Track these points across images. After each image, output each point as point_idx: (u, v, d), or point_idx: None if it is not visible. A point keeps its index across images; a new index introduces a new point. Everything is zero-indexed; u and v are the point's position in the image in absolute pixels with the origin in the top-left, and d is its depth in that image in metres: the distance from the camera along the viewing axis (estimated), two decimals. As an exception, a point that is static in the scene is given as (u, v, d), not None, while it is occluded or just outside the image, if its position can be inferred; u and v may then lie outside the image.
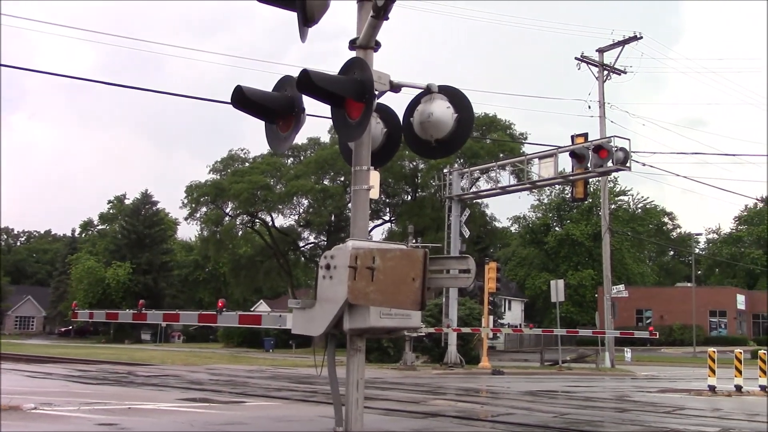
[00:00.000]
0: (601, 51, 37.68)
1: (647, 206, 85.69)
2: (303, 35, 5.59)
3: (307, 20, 5.56)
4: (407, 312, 5.11)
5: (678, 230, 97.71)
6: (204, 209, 58.66)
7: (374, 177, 6.05)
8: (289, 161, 59.28)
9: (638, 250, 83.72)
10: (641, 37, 36.74)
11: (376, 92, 5.76)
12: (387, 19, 5.62)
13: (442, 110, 6.09)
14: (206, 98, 61.21)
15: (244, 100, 5.63)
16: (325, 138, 57.13)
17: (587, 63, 37.46)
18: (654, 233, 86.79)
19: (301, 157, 59.07)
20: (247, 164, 59.13)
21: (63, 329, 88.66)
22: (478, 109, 50.89)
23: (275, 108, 5.80)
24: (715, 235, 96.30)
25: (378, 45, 6.03)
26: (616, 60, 37.62)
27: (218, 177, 58.69)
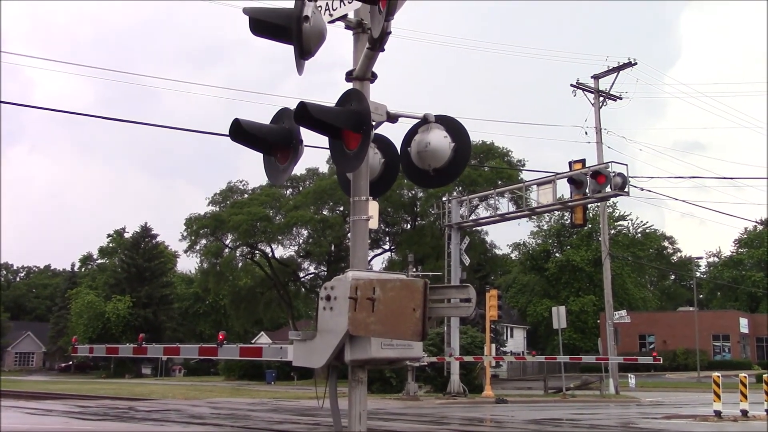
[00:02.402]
0: (596, 77, 37.95)
1: (647, 231, 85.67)
2: (300, 68, 5.63)
3: (303, 53, 5.60)
4: (409, 342, 5.08)
5: (678, 254, 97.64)
6: (203, 241, 58.63)
7: (373, 207, 6.06)
8: (288, 192, 59.39)
9: (639, 275, 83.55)
10: (635, 63, 37.03)
11: (374, 123, 5.79)
12: (383, 50, 5.67)
13: (439, 140, 6.12)
14: (204, 131, 61.75)
15: (242, 133, 5.66)
16: (324, 168, 57.36)
17: (583, 90, 37.72)
18: (654, 258, 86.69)
19: (300, 188, 59.19)
20: (246, 196, 59.23)
21: (63, 365, 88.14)
22: (475, 137, 51.19)
23: (273, 140, 5.83)
24: (716, 259, 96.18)
25: (374, 76, 6.08)
26: (612, 86, 37.90)
27: (217, 209, 58.75)
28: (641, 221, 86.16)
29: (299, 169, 55.13)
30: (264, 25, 5.78)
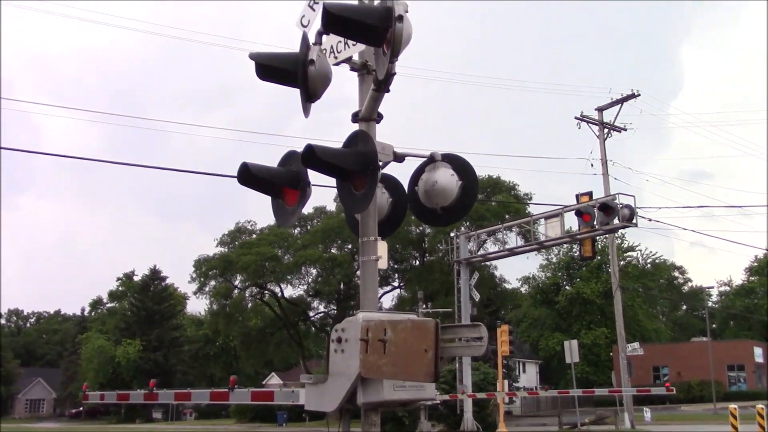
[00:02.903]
0: (600, 110, 38.09)
1: (656, 261, 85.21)
2: (306, 111, 5.68)
3: (309, 96, 5.65)
4: (421, 383, 5.04)
5: (689, 284, 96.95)
6: (213, 283, 58.62)
7: (382, 247, 6.06)
8: (296, 231, 59.48)
9: (651, 306, 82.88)
10: (639, 95, 37.19)
11: (381, 163, 5.82)
12: (388, 91, 5.72)
13: (446, 178, 6.14)
14: (212, 173, 61.99)
15: (250, 176, 5.70)
16: (332, 206, 57.50)
17: (587, 122, 37.84)
18: (665, 288, 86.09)
19: (308, 227, 59.29)
20: (254, 236, 59.34)
21: (74, 411, 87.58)
22: (482, 171, 51.26)
23: (281, 183, 5.86)
24: (727, 288, 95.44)
25: (380, 117, 6.13)
26: (616, 118, 38.00)
27: (226, 250, 58.85)
28: (650, 252, 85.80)
29: (307, 208, 55.25)
30: (270, 69, 5.84)
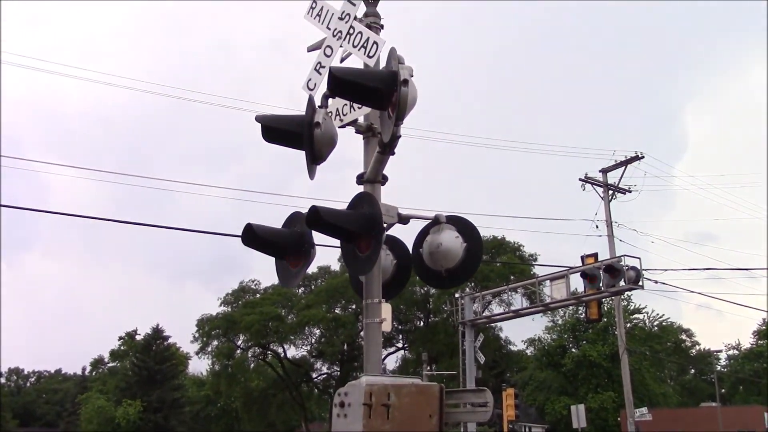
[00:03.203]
0: (604, 171, 38.22)
1: (663, 324, 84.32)
2: (311, 173, 5.71)
3: (315, 159, 5.69)
4: (425, 450, 4.93)
5: (697, 347, 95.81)
6: (215, 342, 58.17)
7: (386, 309, 6.01)
8: (300, 291, 59.26)
9: (658, 370, 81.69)
10: (643, 157, 37.33)
11: (385, 225, 5.82)
12: (393, 154, 5.75)
13: (450, 240, 6.13)
14: (217, 232, 62.01)
15: (254, 238, 5.69)
16: (336, 266, 57.38)
17: (591, 183, 37.93)
18: (673, 351, 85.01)
19: (312, 287, 59.09)
20: (258, 295, 59.12)
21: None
22: (486, 232, 51.29)
23: (285, 245, 5.85)
24: (736, 351, 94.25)
25: (385, 179, 6.15)
26: (620, 180, 38.08)
27: (229, 309, 58.56)
28: (657, 314, 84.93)
29: (311, 268, 54.84)
30: (276, 132, 5.90)
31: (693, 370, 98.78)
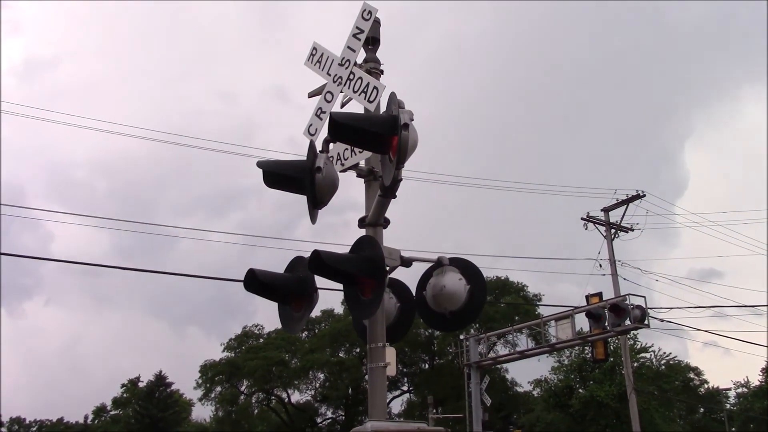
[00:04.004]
0: (606, 210, 38.24)
1: (671, 362, 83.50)
2: (313, 218, 5.72)
3: (316, 203, 5.70)
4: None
5: (705, 386, 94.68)
6: (219, 388, 57.65)
7: (390, 353, 5.97)
8: (303, 335, 58.88)
9: (667, 409, 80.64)
10: (644, 195, 37.37)
11: (388, 268, 5.81)
12: (395, 197, 5.77)
13: (454, 282, 6.12)
14: (219, 277, 61.67)
15: (256, 283, 5.69)
16: (339, 309, 57.08)
17: (594, 222, 37.91)
18: (681, 390, 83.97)
19: (316, 330, 58.74)
20: (261, 340, 58.73)
21: None
22: (490, 272, 51.19)
23: (288, 290, 5.84)
24: (745, 389, 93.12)
25: (387, 222, 6.16)
26: (622, 218, 38.06)
27: (233, 354, 58.13)
28: (664, 352, 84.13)
29: (314, 312, 54.69)
30: (277, 177, 5.93)
31: (702, 409, 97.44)
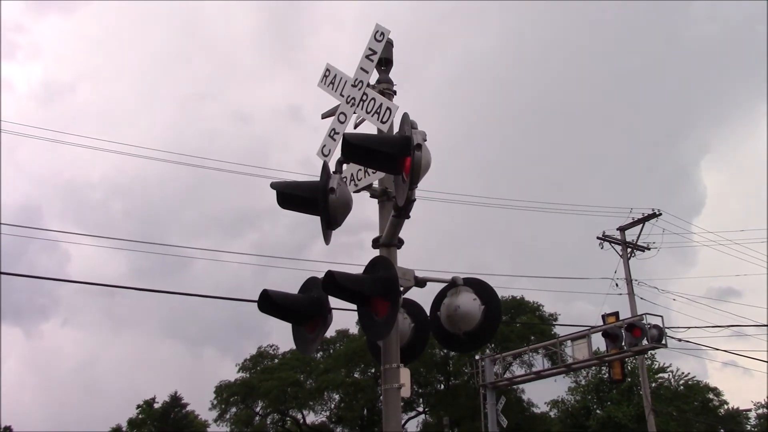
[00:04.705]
0: (622, 229, 38.04)
1: (690, 383, 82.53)
2: (327, 238, 5.73)
3: (330, 224, 5.71)
4: None
5: (725, 406, 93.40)
6: (234, 409, 57.49)
7: (405, 374, 5.95)
8: (318, 355, 58.70)
9: (686, 430, 79.61)
10: (660, 214, 37.17)
11: (402, 288, 5.80)
12: (408, 217, 5.77)
13: (468, 302, 6.10)
14: (234, 298, 61.91)
15: (270, 304, 5.69)
16: (354, 329, 56.88)
17: (610, 242, 37.72)
18: (700, 411, 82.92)
19: (331, 350, 58.56)
20: (276, 360, 58.62)
21: None
22: (505, 292, 50.94)
23: (302, 311, 5.84)
24: (765, 409, 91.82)
25: (401, 242, 6.16)
26: (638, 237, 37.84)
27: (247, 375, 58.05)
28: (682, 372, 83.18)
29: (329, 332, 54.61)
30: (291, 198, 5.94)
31: (722, 430, 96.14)
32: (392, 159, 5.29)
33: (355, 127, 6.67)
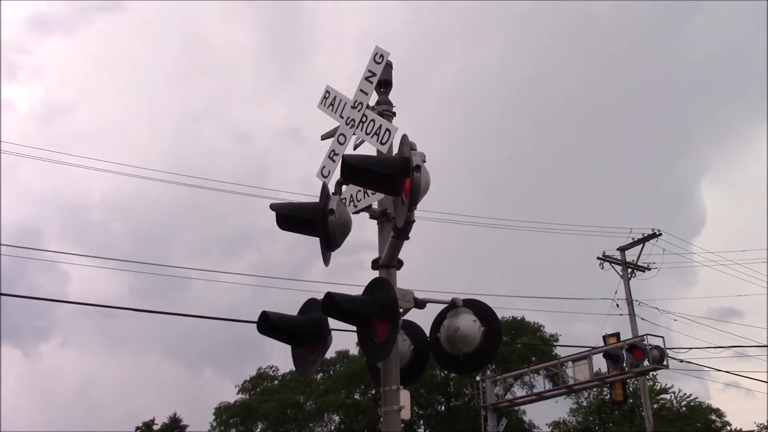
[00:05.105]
0: (622, 249, 38.00)
1: (692, 404, 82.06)
2: (326, 260, 5.72)
3: (329, 245, 5.71)
4: None
5: (728, 428, 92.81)
6: (233, 431, 57.18)
7: (404, 396, 5.91)
8: (318, 376, 58.45)
9: (689, 452, 79.04)
10: (660, 234, 37.15)
11: (401, 310, 5.79)
12: (407, 239, 5.77)
13: (468, 324, 6.08)
14: (233, 319, 61.68)
15: (270, 326, 5.67)
16: (354, 350, 56.65)
17: (610, 262, 37.67)
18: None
19: (330, 372, 58.32)
20: (276, 382, 58.38)
21: None
22: (505, 312, 50.76)
23: (301, 332, 5.82)
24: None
25: (401, 263, 6.15)
26: (638, 257, 37.80)
27: (247, 396, 57.80)
28: (684, 394, 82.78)
29: (329, 353, 54.43)
30: (291, 220, 5.95)
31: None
32: (391, 180, 5.30)
33: (355, 148, 6.69)
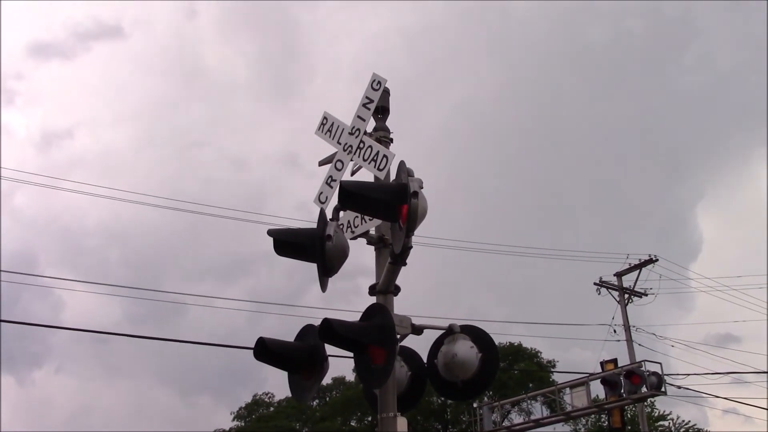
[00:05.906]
0: (618, 275, 37.97)
1: (690, 430, 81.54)
2: (323, 286, 5.72)
3: (327, 271, 5.71)
4: None
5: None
6: (229, 459, 56.67)
7: (401, 423, 5.88)
8: (314, 403, 58.03)
9: (688, 479, 78.41)
10: (657, 260, 37.14)
11: (399, 336, 5.77)
12: (405, 264, 5.77)
13: (465, 350, 6.07)
14: (229, 345, 61.16)
15: (266, 352, 5.66)
16: (351, 377, 56.32)
17: (607, 287, 37.63)
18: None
19: (327, 398, 57.93)
20: (271, 408, 57.95)
21: None
22: (502, 338, 50.49)
23: (298, 359, 5.81)
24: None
25: (398, 289, 6.15)
26: (635, 283, 37.77)
27: (243, 423, 57.34)
28: (683, 420, 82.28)
29: (326, 379, 54.02)
30: (288, 246, 5.95)
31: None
32: (389, 206, 5.31)
33: (352, 174, 6.71)
